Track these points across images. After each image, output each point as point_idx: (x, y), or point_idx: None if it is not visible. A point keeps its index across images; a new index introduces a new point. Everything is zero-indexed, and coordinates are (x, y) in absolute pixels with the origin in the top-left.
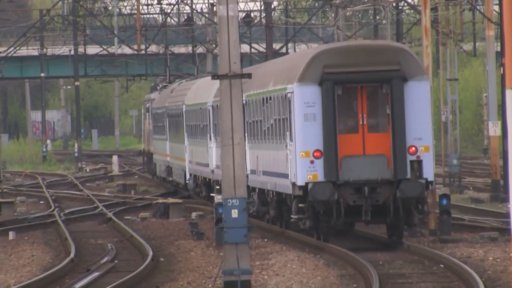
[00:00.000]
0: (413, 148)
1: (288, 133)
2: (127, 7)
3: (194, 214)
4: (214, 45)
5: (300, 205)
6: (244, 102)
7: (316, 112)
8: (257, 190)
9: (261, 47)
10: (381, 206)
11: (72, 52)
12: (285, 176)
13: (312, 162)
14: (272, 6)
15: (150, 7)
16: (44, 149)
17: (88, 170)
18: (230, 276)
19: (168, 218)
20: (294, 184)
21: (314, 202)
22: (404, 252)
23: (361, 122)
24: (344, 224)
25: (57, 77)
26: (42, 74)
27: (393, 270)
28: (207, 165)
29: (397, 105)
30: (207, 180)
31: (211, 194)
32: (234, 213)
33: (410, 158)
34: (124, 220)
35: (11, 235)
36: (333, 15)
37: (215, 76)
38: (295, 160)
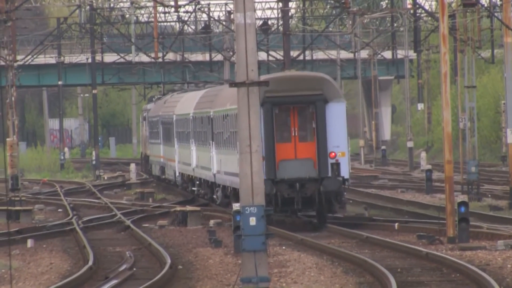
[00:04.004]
0: (333, 154)
1: (238, 142)
2: (144, 15)
3: (212, 222)
4: (231, 53)
5: None
6: (211, 116)
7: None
8: (221, 186)
9: (278, 55)
10: (309, 198)
11: (90, 60)
12: (237, 175)
13: None
14: (290, 14)
15: (167, 15)
16: (62, 157)
17: (106, 178)
18: (248, 284)
19: (186, 225)
20: None
21: None
22: (422, 259)
23: (293, 134)
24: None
25: (75, 85)
26: (60, 82)
27: (411, 277)
28: (189, 165)
29: (320, 121)
30: (190, 177)
31: (193, 188)
32: (252, 221)
33: (330, 161)
34: (142, 228)
35: (30, 243)
36: (350, 22)
37: (232, 84)
38: None
